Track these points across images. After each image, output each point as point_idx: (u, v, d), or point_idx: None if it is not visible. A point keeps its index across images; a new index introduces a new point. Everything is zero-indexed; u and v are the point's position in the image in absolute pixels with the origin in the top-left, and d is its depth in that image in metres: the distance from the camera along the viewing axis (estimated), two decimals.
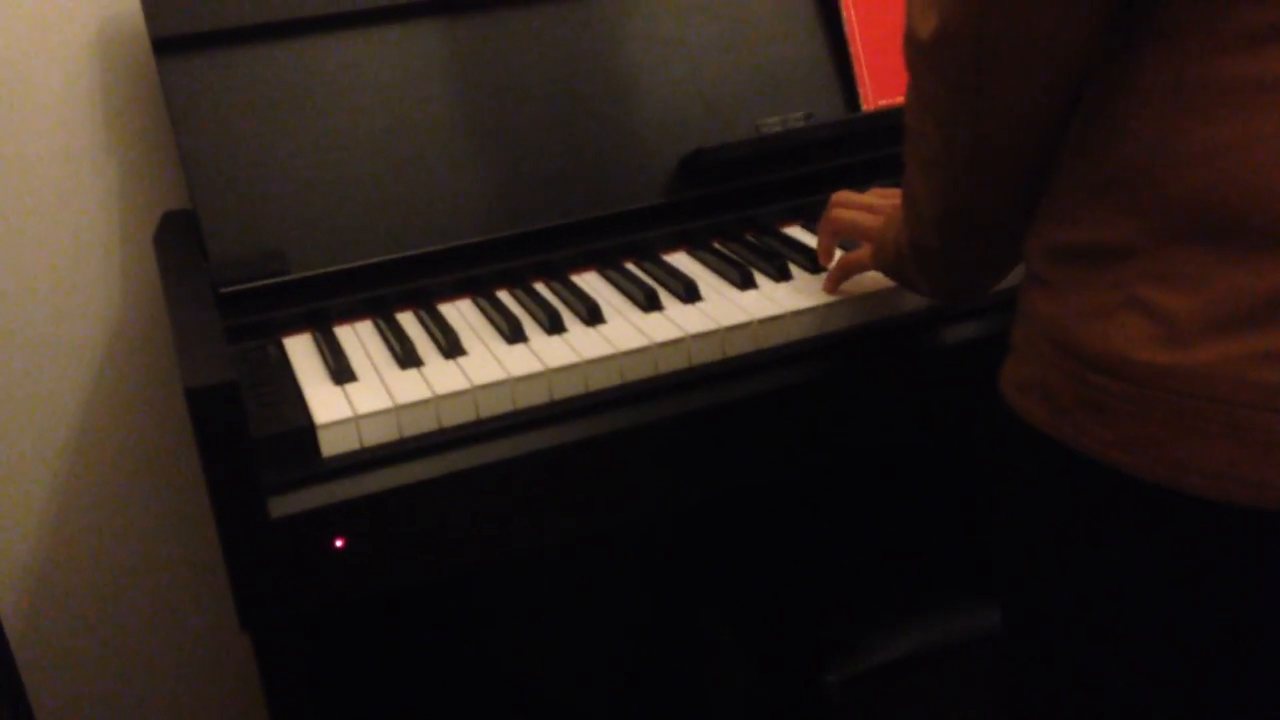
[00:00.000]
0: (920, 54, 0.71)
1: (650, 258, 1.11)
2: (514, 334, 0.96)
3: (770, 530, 1.25)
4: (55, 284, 1.17)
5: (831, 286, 1.00)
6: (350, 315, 1.04)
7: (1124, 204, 0.64)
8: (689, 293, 1.01)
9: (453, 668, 1.34)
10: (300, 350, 0.99)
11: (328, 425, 0.86)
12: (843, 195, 1.02)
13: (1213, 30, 0.60)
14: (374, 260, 1.05)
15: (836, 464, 1.10)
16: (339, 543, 0.85)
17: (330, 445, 0.86)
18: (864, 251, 0.97)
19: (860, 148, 1.18)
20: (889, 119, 1.03)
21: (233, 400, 0.77)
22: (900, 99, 1.19)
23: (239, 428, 0.78)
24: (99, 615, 1.35)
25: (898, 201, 0.91)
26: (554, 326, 0.97)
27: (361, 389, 0.90)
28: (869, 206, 0.99)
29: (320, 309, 1.03)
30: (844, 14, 1.21)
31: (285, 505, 0.83)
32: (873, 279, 0.99)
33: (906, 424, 1.01)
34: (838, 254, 1.02)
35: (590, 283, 1.07)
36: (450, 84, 1.12)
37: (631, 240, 1.12)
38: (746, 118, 1.19)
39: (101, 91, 1.14)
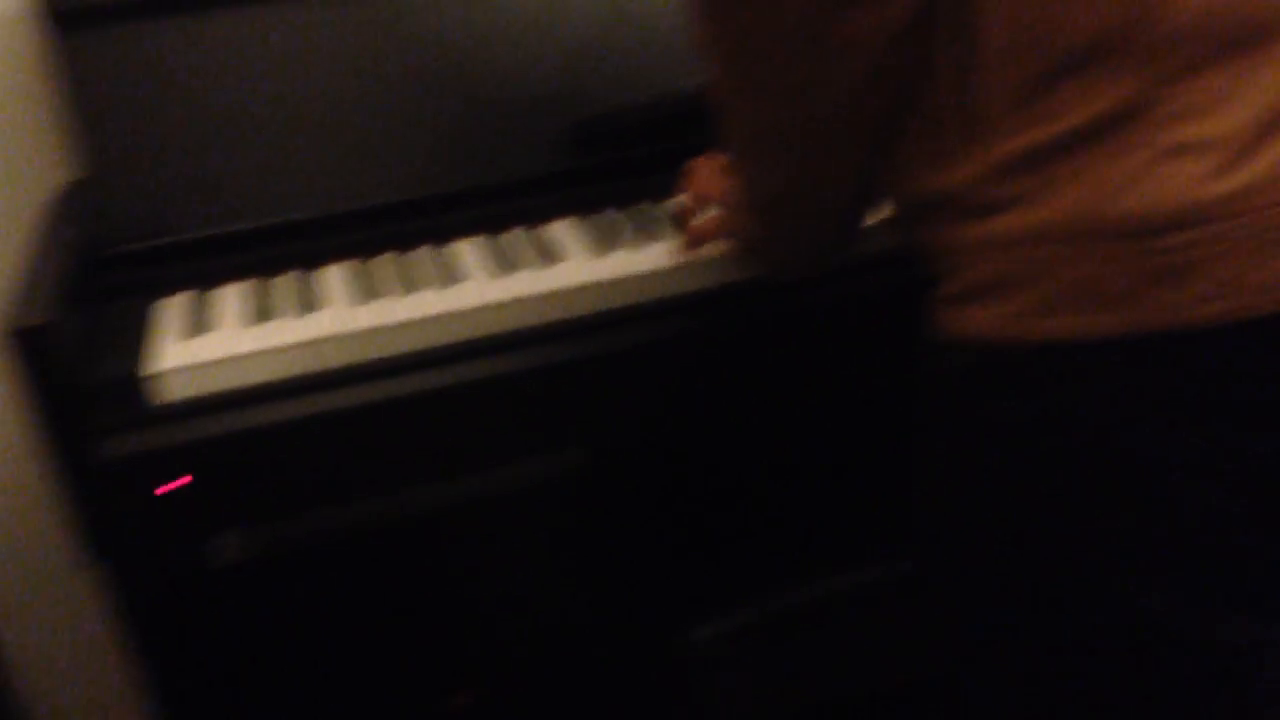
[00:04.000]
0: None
1: (533, 225, 1.13)
2: (368, 293, 1.00)
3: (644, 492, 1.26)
4: None
5: (685, 251, 1.01)
6: (233, 276, 1.09)
7: (1109, 72, 0.62)
8: (551, 256, 1.03)
9: (395, 637, 1.38)
10: (174, 308, 1.04)
11: (165, 373, 0.90)
12: (703, 161, 1.03)
13: None
14: (260, 225, 1.10)
15: (694, 426, 1.11)
16: (175, 485, 0.90)
17: (169, 391, 0.91)
18: (715, 219, 0.97)
19: None
20: None
21: (50, 342, 0.82)
22: None
23: (57, 369, 0.83)
24: (64, 560, 1.43)
25: None
26: (409, 287, 1.01)
27: (209, 340, 0.95)
28: (725, 170, 1.00)
29: (205, 270, 1.08)
30: None
31: (119, 447, 0.88)
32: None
33: (759, 384, 1.02)
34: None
35: (467, 249, 1.10)
36: (347, 56, 1.15)
37: (519, 207, 1.15)
38: (649, 83, 1.21)
39: (6, 64, 1.21)
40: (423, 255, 1.09)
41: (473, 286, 0.99)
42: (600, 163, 1.18)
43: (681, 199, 1.03)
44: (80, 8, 1.09)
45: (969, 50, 0.66)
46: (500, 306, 0.96)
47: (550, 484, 1.29)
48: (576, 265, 1.02)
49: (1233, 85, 0.60)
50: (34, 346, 0.82)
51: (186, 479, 0.90)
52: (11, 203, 1.25)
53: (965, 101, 0.67)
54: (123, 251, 1.06)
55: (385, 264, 1.08)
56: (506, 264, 1.03)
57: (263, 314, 0.98)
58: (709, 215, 0.99)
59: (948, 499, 0.76)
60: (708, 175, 1.00)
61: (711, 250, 1.00)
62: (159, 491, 0.87)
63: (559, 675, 1.31)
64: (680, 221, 1.04)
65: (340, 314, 0.97)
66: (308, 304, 0.99)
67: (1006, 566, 0.73)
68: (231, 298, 1.04)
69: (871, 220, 0.85)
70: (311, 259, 1.10)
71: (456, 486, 1.09)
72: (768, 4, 0.66)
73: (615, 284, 0.98)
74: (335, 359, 0.94)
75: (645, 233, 1.06)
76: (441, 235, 1.13)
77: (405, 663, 1.36)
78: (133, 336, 0.97)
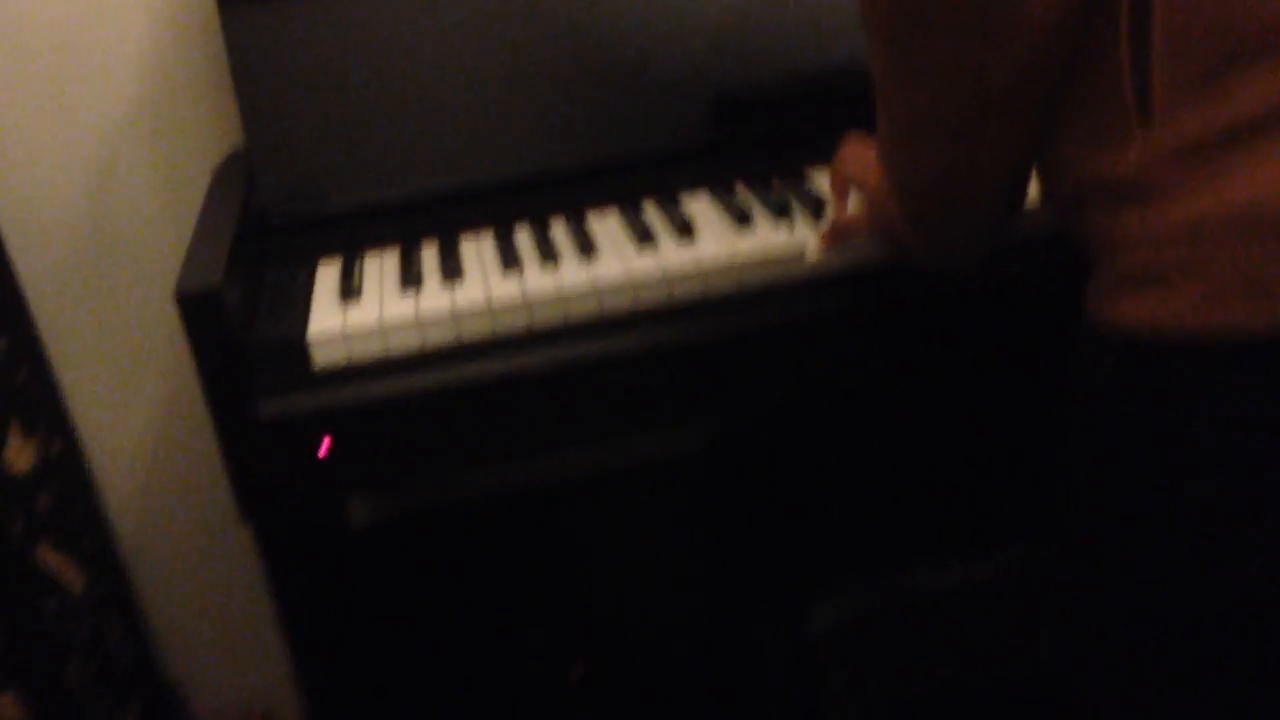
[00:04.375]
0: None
1: (670, 199, 1.14)
2: (510, 263, 1.02)
3: (775, 476, 1.27)
4: (132, 211, 1.31)
5: (826, 246, 0.99)
6: (379, 244, 1.12)
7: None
8: (686, 232, 1.04)
9: (516, 605, 1.41)
10: (326, 274, 1.07)
11: (318, 337, 0.94)
12: (851, 146, 1.02)
13: None
14: (406, 194, 1.13)
15: (811, 406, 1.11)
16: (324, 445, 0.93)
17: (321, 356, 0.94)
18: (858, 215, 0.96)
19: None
20: None
21: (216, 306, 0.86)
22: None
23: (223, 331, 0.87)
24: (205, 507, 1.49)
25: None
26: (549, 258, 1.02)
27: (360, 307, 0.98)
28: (872, 160, 0.96)
29: (354, 238, 1.12)
30: None
31: (275, 407, 0.92)
32: None
33: (876, 372, 1.01)
34: (852, 201, 1.01)
35: (603, 221, 1.11)
36: (493, 30, 1.17)
37: (656, 179, 1.16)
38: (788, 59, 1.20)
39: (179, 39, 1.26)
40: (559, 227, 1.11)
41: (613, 260, 1.00)
42: (735, 138, 1.18)
43: (832, 181, 1.02)
44: None
45: (1142, 32, 0.64)
46: (642, 281, 0.97)
47: (680, 459, 1.31)
48: (715, 241, 1.02)
49: None
50: (201, 311, 0.86)
51: (329, 440, 0.94)
52: (181, 169, 1.31)
53: (1135, 85, 0.65)
54: (277, 219, 1.10)
55: (523, 234, 1.10)
56: (645, 238, 1.04)
57: (411, 283, 1.01)
58: (851, 213, 0.97)
59: (1093, 491, 0.75)
60: (854, 162, 0.98)
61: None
62: (322, 454, 0.90)
63: (678, 651, 1.33)
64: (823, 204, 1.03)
65: (485, 285, 0.99)
66: (453, 273, 1.01)
67: (1150, 560, 0.72)
68: (380, 266, 1.08)
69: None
70: (453, 227, 1.13)
71: (586, 459, 1.10)
72: None
73: (755, 261, 0.98)
74: (480, 329, 0.96)
75: (783, 210, 1.05)
76: (576, 207, 1.14)
77: (526, 631, 1.39)
78: (288, 302, 1.00)
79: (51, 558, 1.22)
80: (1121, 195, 0.68)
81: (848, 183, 1.00)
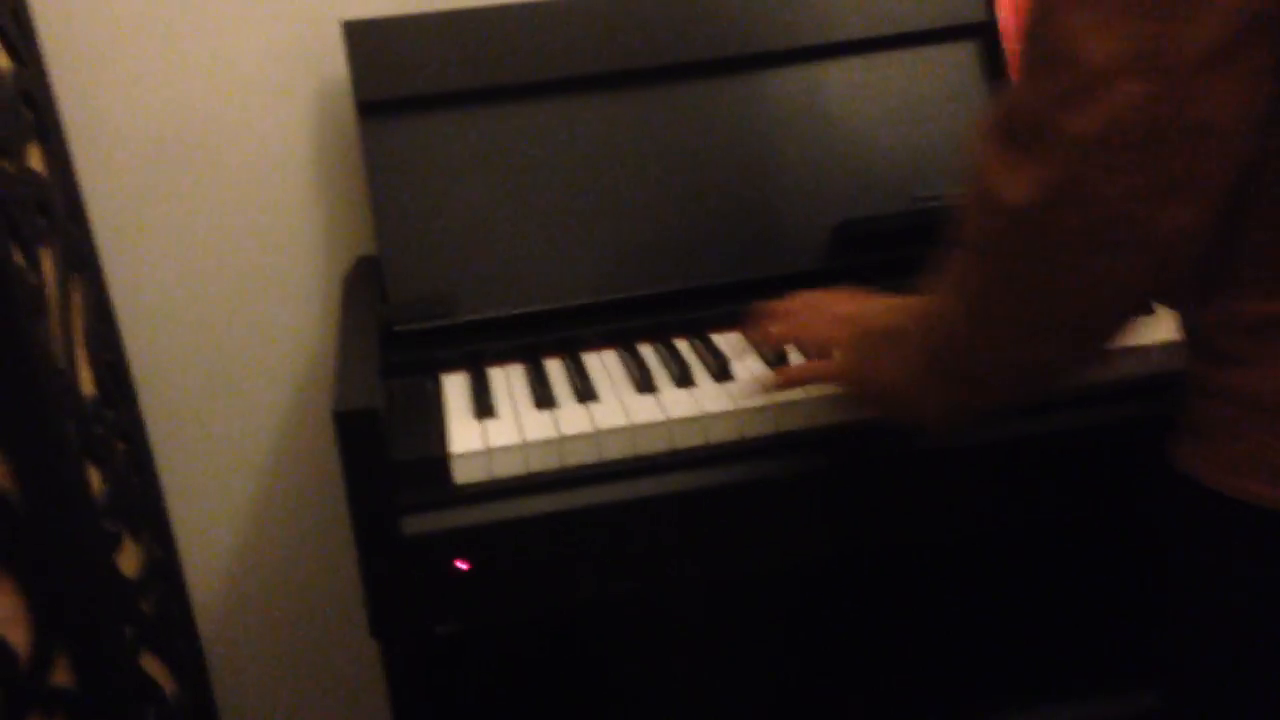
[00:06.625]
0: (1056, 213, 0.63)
1: None
2: (644, 384, 1.02)
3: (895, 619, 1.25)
4: (261, 314, 1.32)
5: (772, 387, 0.97)
6: (504, 359, 1.12)
7: None
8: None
9: (575, 704, 1.39)
10: (454, 387, 1.08)
11: (461, 455, 0.94)
12: (803, 299, 1.00)
13: None
14: (531, 310, 1.14)
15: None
16: (463, 565, 0.92)
17: (462, 473, 0.94)
18: (831, 365, 0.93)
19: None
20: None
21: (373, 425, 0.86)
22: None
23: (378, 450, 0.87)
24: (287, 618, 1.48)
25: (872, 319, 0.88)
26: (683, 380, 1.02)
27: (498, 425, 0.98)
28: (834, 321, 0.95)
29: (478, 351, 1.12)
30: None
31: (417, 525, 0.91)
32: None
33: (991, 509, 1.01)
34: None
35: (730, 342, 1.12)
36: (622, 152, 1.19)
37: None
38: (904, 191, 1.22)
39: (315, 146, 1.29)
40: (684, 347, 1.11)
41: (749, 384, 1.00)
42: (851, 265, 1.19)
43: (763, 336, 1.02)
44: (385, 101, 1.16)
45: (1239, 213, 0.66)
46: (786, 407, 0.97)
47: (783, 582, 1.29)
48: None
49: None
50: (359, 428, 0.86)
51: (467, 558, 0.93)
52: (299, 278, 1.32)
53: (1224, 251, 0.68)
54: (407, 329, 1.10)
55: (649, 354, 1.11)
56: (776, 361, 1.04)
57: (544, 401, 1.01)
58: (823, 362, 0.96)
59: (1183, 637, 0.76)
60: (813, 320, 0.98)
61: None
62: (466, 567, 0.89)
63: None
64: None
65: (622, 404, 0.99)
66: (585, 392, 1.01)
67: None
68: (506, 381, 1.08)
69: None
70: (575, 345, 1.13)
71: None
72: (1080, 199, 0.62)
73: None
74: (620, 449, 0.96)
75: None
76: (697, 328, 1.15)
77: None
78: (423, 416, 1.00)
79: (153, 664, 1.20)
80: (1207, 350, 0.71)
81: (794, 341, 1.01)
